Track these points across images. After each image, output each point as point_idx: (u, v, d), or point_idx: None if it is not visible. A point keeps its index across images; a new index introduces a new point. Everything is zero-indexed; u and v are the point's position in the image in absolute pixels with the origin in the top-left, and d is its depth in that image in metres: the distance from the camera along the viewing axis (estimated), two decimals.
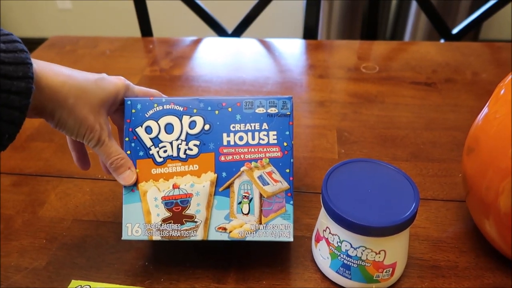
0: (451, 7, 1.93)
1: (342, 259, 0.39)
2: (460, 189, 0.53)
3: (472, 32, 2.05)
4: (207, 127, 0.42)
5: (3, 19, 2.56)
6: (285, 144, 0.42)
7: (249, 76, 0.80)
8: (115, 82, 0.41)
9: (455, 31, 0.98)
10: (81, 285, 0.38)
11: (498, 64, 0.83)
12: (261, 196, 0.41)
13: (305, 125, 0.66)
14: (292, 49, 0.91)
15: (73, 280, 0.40)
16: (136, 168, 0.42)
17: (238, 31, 1.03)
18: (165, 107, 0.43)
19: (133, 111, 0.43)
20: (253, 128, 0.42)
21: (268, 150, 0.42)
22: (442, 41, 1.00)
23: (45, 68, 0.36)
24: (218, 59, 0.88)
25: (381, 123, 0.66)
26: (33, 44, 0.96)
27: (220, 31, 1.04)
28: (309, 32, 0.99)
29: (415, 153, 0.59)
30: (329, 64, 0.84)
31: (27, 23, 2.59)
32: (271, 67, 0.84)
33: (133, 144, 0.42)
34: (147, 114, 0.43)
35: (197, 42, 0.94)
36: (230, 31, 1.04)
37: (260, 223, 0.41)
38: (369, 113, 0.68)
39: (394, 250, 0.38)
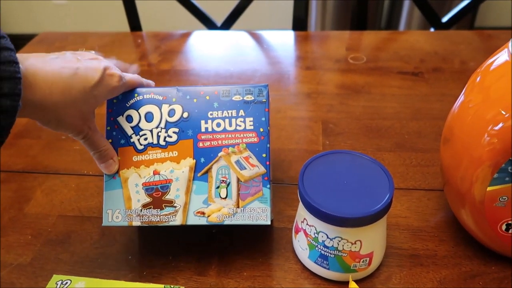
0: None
1: (319, 250, 0.39)
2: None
3: (467, 20, 2.03)
4: (185, 114, 0.43)
5: None
6: (261, 130, 0.43)
7: (237, 69, 0.80)
8: (112, 86, 0.40)
9: (445, 19, 0.97)
10: (62, 280, 0.39)
11: (487, 52, 0.81)
12: (238, 180, 0.42)
13: (291, 117, 0.66)
14: (281, 40, 0.91)
15: (54, 275, 0.40)
16: (118, 156, 0.43)
17: (228, 24, 1.03)
18: (145, 97, 0.44)
19: (115, 101, 0.44)
20: (230, 115, 0.43)
21: (245, 135, 0.42)
22: (432, 29, 1.00)
23: (41, 78, 0.34)
24: (207, 52, 0.87)
25: (367, 114, 0.66)
26: (27, 40, 0.96)
27: (209, 24, 1.04)
28: (298, 23, 0.99)
29: (399, 143, 0.59)
30: (317, 55, 0.84)
31: (22, 19, 2.58)
32: (260, 59, 0.84)
33: (114, 133, 0.44)
34: (128, 104, 0.44)
35: (186, 36, 0.94)
36: (219, 23, 1.03)
37: (238, 207, 0.41)
38: (355, 104, 0.68)
39: (370, 240, 0.38)
